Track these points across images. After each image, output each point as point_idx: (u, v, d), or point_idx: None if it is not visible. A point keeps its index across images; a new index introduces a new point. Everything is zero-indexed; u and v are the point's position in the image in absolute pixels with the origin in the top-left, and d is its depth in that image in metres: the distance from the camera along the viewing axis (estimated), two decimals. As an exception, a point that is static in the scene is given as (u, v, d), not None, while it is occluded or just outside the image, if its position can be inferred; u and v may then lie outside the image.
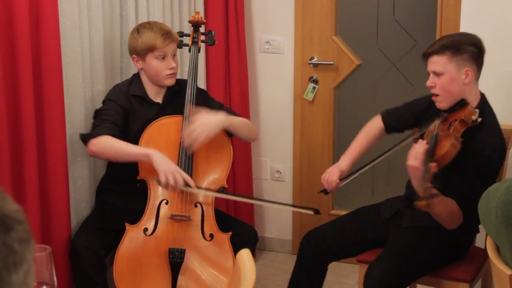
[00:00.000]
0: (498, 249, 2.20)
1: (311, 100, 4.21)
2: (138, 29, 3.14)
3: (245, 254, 1.87)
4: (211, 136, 3.06)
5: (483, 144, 2.79)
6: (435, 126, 2.84)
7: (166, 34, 3.11)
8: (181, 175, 2.96)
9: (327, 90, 4.18)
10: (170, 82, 3.17)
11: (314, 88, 4.19)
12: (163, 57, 3.11)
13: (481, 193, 2.77)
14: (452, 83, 2.83)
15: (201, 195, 3.10)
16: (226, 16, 4.06)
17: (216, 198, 4.02)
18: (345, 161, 3.18)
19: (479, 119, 2.79)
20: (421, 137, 2.86)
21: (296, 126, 4.28)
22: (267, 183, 4.42)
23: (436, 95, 2.88)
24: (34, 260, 1.61)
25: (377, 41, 4.03)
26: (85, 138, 3.02)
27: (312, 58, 4.17)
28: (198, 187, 3.06)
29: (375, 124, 3.23)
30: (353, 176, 3.12)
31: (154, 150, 2.98)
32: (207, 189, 3.11)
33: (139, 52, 3.12)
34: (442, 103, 2.89)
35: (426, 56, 2.88)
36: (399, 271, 2.82)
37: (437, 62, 2.83)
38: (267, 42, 4.25)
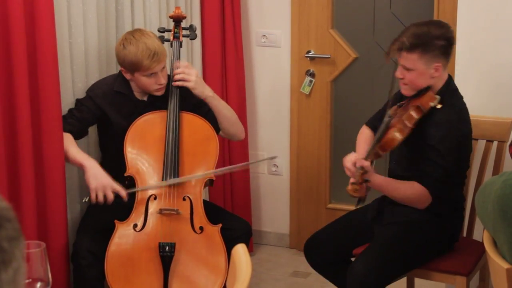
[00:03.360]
0: (495, 243, 2.19)
1: (308, 93, 4.19)
2: (124, 43, 3.06)
3: (240, 249, 1.87)
4: (196, 88, 3.16)
5: (440, 122, 2.84)
6: (394, 111, 2.87)
7: (153, 56, 3.02)
8: (111, 189, 2.95)
9: (324, 84, 4.17)
10: (160, 93, 3.16)
11: (311, 81, 4.18)
12: (152, 74, 3.08)
13: (447, 172, 2.86)
14: (421, 78, 2.88)
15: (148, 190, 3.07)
16: (222, 10, 4.04)
17: (212, 192, 4.04)
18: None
19: (439, 106, 2.83)
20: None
21: (293, 120, 4.27)
22: (264, 177, 4.41)
23: (405, 84, 2.92)
24: (28, 256, 1.61)
25: (373, 34, 4.02)
26: None
27: (308, 52, 4.16)
28: (130, 190, 3.02)
29: (365, 132, 3.21)
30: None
31: (90, 163, 2.98)
32: (144, 188, 3.06)
33: (126, 67, 3.09)
34: (408, 91, 2.94)
35: (397, 50, 2.88)
36: (381, 266, 2.82)
37: (407, 59, 2.85)
38: (264, 35, 4.23)
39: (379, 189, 2.81)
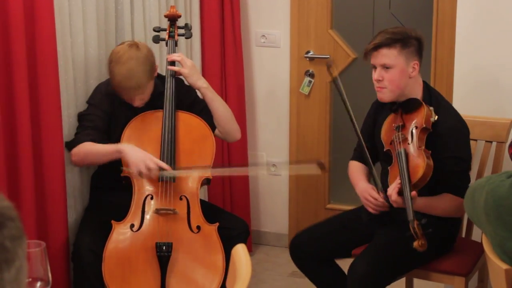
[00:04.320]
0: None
1: (307, 94, 4.20)
2: (114, 58, 3.01)
3: (240, 249, 1.87)
4: (190, 76, 3.17)
5: (445, 131, 2.84)
6: (396, 139, 2.83)
7: (130, 90, 3.00)
8: (153, 162, 2.93)
9: (323, 84, 4.17)
10: (138, 105, 3.13)
11: (310, 82, 4.18)
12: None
13: (470, 170, 2.91)
14: (401, 76, 2.87)
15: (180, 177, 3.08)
16: (221, 10, 4.05)
17: (211, 192, 4.04)
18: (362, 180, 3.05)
19: (436, 117, 2.83)
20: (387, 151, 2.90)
21: (292, 120, 4.27)
22: (263, 177, 4.40)
23: (382, 88, 2.91)
24: (28, 255, 1.61)
25: (373, 35, 3.99)
26: (68, 148, 3.04)
27: (308, 52, 4.16)
28: (175, 168, 3.02)
29: (357, 165, 3.15)
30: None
31: (127, 145, 2.98)
32: (186, 168, 3.07)
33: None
34: (386, 95, 2.93)
35: (375, 48, 2.89)
36: (381, 265, 2.82)
37: (387, 55, 2.86)
38: (263, 35, 4.23)
39: (422, 211, 2.76)
